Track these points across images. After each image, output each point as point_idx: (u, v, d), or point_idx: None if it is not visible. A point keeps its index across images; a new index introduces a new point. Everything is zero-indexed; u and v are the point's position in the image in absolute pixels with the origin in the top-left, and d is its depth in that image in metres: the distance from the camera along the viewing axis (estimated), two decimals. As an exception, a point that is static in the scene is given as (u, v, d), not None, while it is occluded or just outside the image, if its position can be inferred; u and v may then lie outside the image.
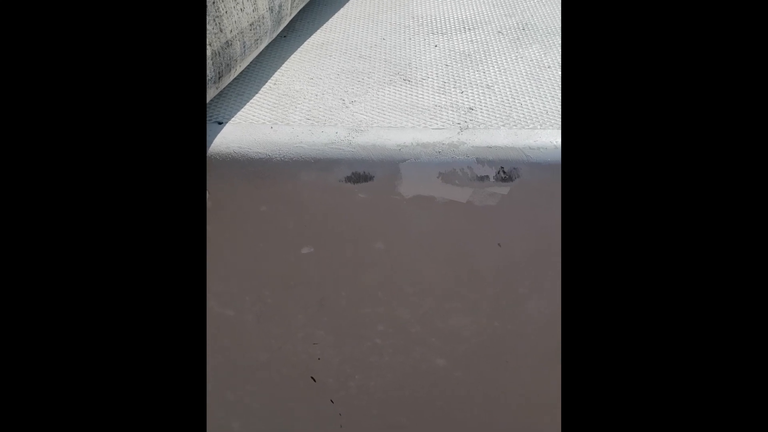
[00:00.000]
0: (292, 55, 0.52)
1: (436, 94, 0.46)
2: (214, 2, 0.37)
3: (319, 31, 0.57)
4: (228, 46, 0.39)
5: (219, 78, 0.39)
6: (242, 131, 0.42)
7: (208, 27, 0.36)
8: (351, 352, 0.48)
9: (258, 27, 0.42)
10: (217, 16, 0.37)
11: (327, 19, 0.60)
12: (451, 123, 0.42)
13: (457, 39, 0.55)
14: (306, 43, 0.55)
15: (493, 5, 0.62)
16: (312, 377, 0.50)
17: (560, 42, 0.54)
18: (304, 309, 0.46)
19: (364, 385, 0.50)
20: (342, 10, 0.62)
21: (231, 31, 0.39)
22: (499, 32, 0.56)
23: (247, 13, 0.41)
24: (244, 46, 0.41)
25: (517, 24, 0.58)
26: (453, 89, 0.47)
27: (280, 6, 0.46)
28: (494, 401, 0.50)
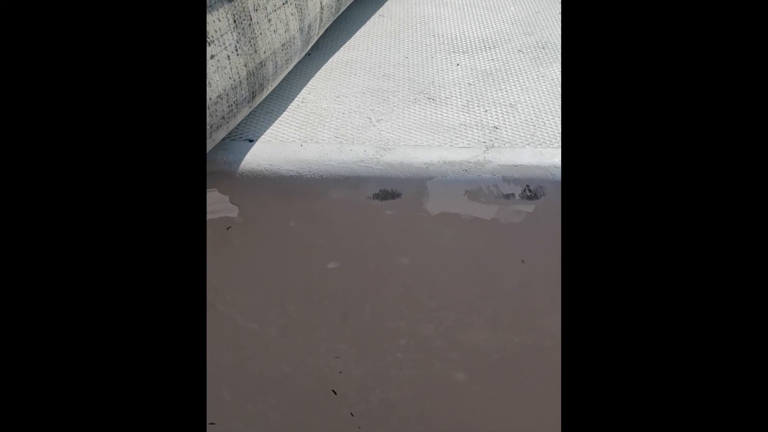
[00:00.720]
0: (318, 73, 0.53)
1: (461, 113, 0.47)
2: (250, 24, 0.38)
3: (342, 49, 0.58)
4: (262, 66, 0.40)
5: (252, 97, 0.40)
6: (273, 149, 0.42)
7: (245, 48, 0.37)
8: (372, 366, 0.49)
9: (289, 47, 0.43)
10: (253, 38, 0.38)
11: (349, 38, 0.61)
12: (477, 141, 0.43)
13: (478, 57, 0.56)
14: (330, 60, 0.56)
15: (512, 24, 0.64)
16: (333, 390, 0.51)
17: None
18: (328, 323, 0.47)
19: (384, 398, 0.51)
20: (363, 28, 0.63)
21: (265, 52, 0.40)
22: (520, 51, 0.57)
23: (280, 34, 0.42)
24: (276, 66, 0.42)
25: (537, 43, 0.59)
26: (477, 108, 0.48)
27: (309, 27, 0.47)
28: (513, 416, 0.50)
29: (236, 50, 0.37)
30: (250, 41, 0.38)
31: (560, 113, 0.47)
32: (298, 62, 0.55)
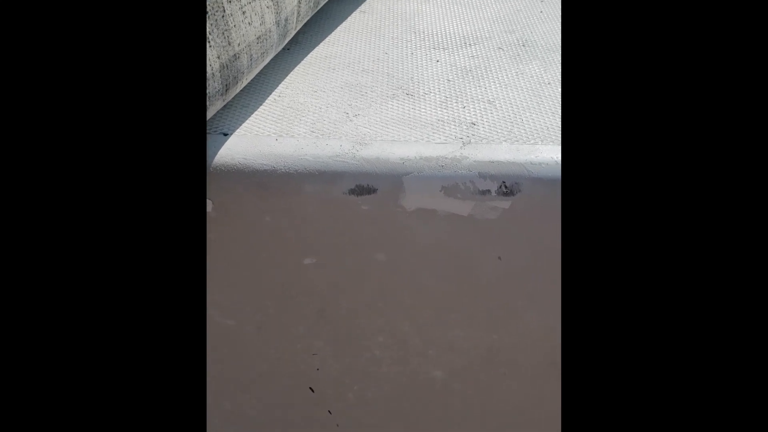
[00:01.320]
0: (296, 68, 0.53)
1: (439, 109, 0.47)
2: (223, 16, 0.38)
3: (321, 44, 0.58)
4: (236, 59, 0.39)
5: (226, 90, 0.39)
6: (247, 143, 0.42)
7: (218, 40, 0.37)
8: (350, 363, 0.49)
9: (265, 40, 0.43)
10: (226, 30, 0.38)
11: (329, 33, 0.61)
12: (454, 137, 0.43)
13: (458, 54, 0.56)
14: (309, 56, 0.55)
15: (494, 21, 0.64)
16: (310, 387, 0.50)
17: (560, 59, 0.55)
18: (305, 319, 0.47)
19: (362, 396, 0.50)
20: (344, 24, 0.63)
21: (239, 45, 0.39)
22: (500, 48, 0.57)
23: (255, 27, 0.41)
24: (251, 59, 0.41)
25: (518, 40, 0.59)
26: (455, 104, 0.47)
27: (286, 20, 0.47)
28: (491, 413, 0.50)
29: (208, 41, 0.36)
30: (223, 33, 0.37)
31: (538, 110, 0.47)
32: (276, 57, 0.54)
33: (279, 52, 0.54)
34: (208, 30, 0.36)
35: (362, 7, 0.67)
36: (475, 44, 0.58)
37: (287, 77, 0.51)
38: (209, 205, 0.42)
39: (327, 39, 0.59)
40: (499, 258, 0.43)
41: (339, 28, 0.62)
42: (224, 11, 0.37)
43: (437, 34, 0.60)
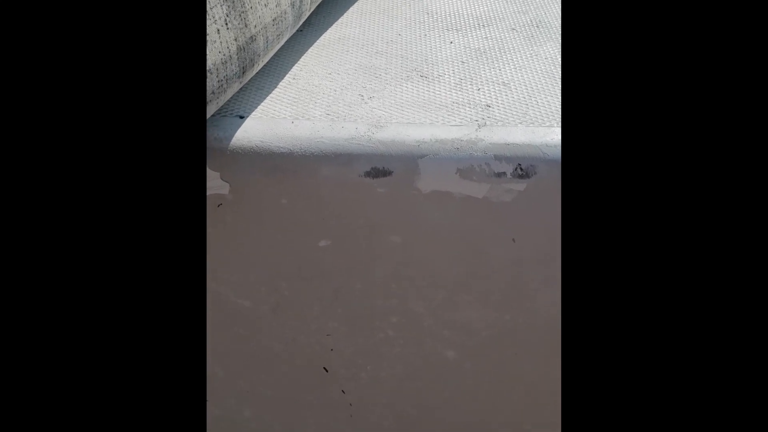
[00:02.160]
0: (310, 50, 0.53)
1: (453, 91, 0.47)
2: (240, -2, 0.37)
3: (334, 26, 0.58)
4: (252, 41, 0.39)
5: (243, 73, 0.39)
6: (264, 126, 0.42)
7: (235, 22, 0.37)
8: (363, 343, 0.49)
9: (280, 22, 0.43)
10: (243, 12, 0.38)
11: (342, 14, 0.60)
12: (469, 120, 0.43)
13: (471, 36, 0.55)
14: (322, 38, 0.55)
15: (507, 2, 0.63)
16: (324, 367, 0.51)
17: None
18: (319, 301, 0.47)
19: (375, 375, 0.51)
20: (356, 5, 0.63)
21: (255, 26, 0.39)
22: (513, 29, 0.57)
23: (271, 9, 0.41)
24: (267, 41, 0.41)
25: (531, 21, 0.58)
26: (470, 86, 0.47)
27: (300, 1, 0.46)
28: (502, 393, 0.51)
29: (226, 24, 0.36)
30: (240, 15, 0.37)
31: (553, 92, 0.47)
32: (290, 39, 0.54)
33: (293, 34, 0.54)
34: (225, 12, 0.36)
35: (374, -12, 0.67)
36: (488, 25, 0.58)
37: (301, 59, 0.51)
38: (226, 188, 0.42)
39: (340, 20, 0.59)
40: (514, 240, 0.43)
41: (351, 10, 0.61)
42: (241, -7, 0.37)
43: (450, 15, 0.60)
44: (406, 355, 0.50)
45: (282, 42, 0.45)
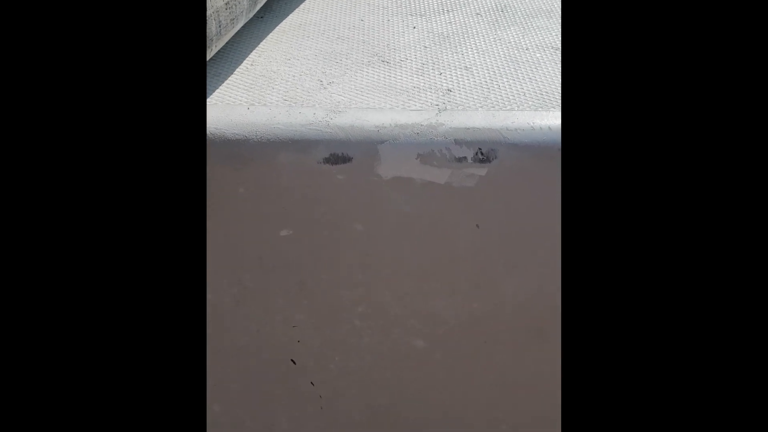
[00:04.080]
0: (269, 36, 0.52)
1: (415, 76, 0.46)
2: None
3: (296, 11, 0.57)
4: (203, 25, 0.38)
5: (194, 58, 0.38)
6: (219, 112, 0.41)
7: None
8: (331, 335, 0.49)
9: (234, 6, 0.42)
10: (192, -6, 0.37)
11: (304, 0, 0.59)
12: (430, 104, 0.42)
13: (435, 21, 0.55)
14: (283, 23, 0.54)
15: (472, -13, 0.62)
16: (292, 360, 0.50)
17: (538, 24, 0.54)
18: (284, 292, 0.46)
19: (344, 366, 0.50)
20: (320, -9, 0.62)
21: (207, 9, 0.38)
22: (478, 14, 0.56)
23: (223, -8, 0.40)
24: (220, 26, 0.40)
25: (496, 6, 0.58)
26: (431, 71, 0.47)
27: (256, -15, 0.45)
28: (473, 382, 0.50)
29: (173, 7, 0.35)
30: (188, -2, 0.36)
31: (516, 76, 0.46)
32: (249, 24, 0.53)
33: (252, 20, 0.53)
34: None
35: (338, -26, 0.66)
36: (452, 10, 0.57)
37: (260, 45, 0.50)
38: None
39: (301, 6, 0.58)
40: (477, 226, 0.43)
41: (314, -5, 0.60)
42: (189, -25, 0.36)
43: (414, 0, 0.59)
44: (374, 345, 0.49)
45: (237, 27, 0.44)
